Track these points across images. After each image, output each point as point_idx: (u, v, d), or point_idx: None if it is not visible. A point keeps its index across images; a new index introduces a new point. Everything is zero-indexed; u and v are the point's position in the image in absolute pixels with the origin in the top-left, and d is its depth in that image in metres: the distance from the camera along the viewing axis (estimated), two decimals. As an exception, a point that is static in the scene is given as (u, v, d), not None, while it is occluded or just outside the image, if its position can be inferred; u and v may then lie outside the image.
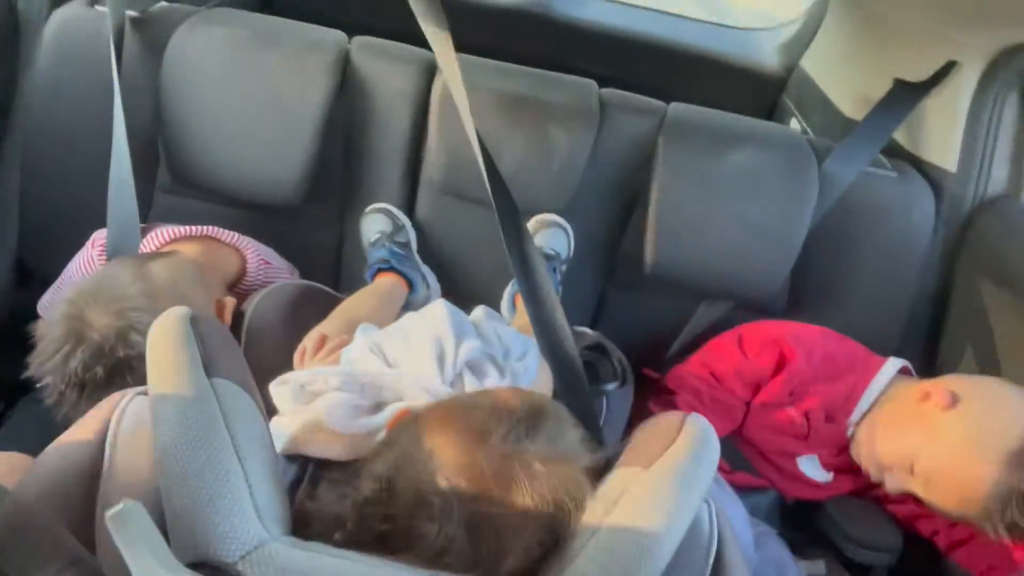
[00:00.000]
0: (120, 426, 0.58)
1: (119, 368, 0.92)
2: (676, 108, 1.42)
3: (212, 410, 0.53)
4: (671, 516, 0.55)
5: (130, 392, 0.64)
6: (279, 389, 0.81)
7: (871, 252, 1.41)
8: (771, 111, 2.08)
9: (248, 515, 0.49)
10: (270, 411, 0.76)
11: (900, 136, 1.50)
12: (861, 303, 1.42)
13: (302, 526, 0.60)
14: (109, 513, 0.43)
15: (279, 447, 0.75)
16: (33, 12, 1.36)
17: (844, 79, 1.71)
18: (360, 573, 0.49)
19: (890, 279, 1.42)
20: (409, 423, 0.64)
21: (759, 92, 2.07)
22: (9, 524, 0.49)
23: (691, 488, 0.58)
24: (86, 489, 0.54)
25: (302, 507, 0.63)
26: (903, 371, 1.25)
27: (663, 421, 0.66)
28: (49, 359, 0.94)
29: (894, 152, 1.50)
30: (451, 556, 0.55)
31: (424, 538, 0.55)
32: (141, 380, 0.63)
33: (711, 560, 0.59)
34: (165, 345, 0.58)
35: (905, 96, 1.43)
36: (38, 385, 1.26)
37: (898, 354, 1.28)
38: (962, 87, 1.35)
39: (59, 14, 1.33)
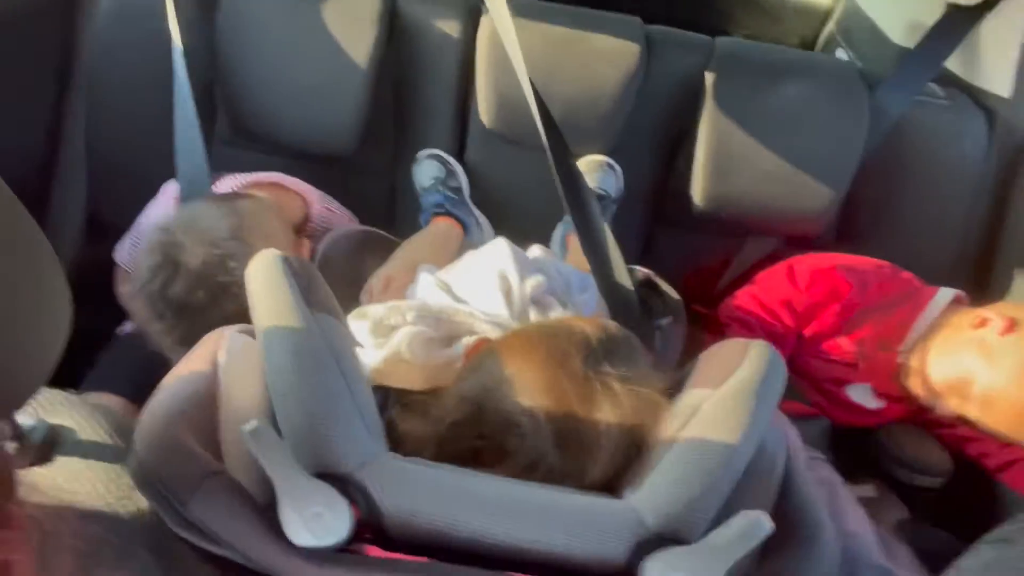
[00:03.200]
0: (230, 358, 0.63)
1: (218, 292, 0.96)
2: (723, 42, 1.41)
3: (317, 339, 0.58)
4: (744, 430, 0.58)
5: (229, 329, 0.69)
6: (358, 323, 0.85)
7: (923, 181, 1.40)
8: (815, 43, 2.04)
9: (361, 432, 0.54)
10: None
11: (953, 63, 1.47)
12: (912, 233, 1.42)
13: (394, 446, 0.65)
14: (246, 428, 0.48)
15: (362, 378, 0.80)
16: (88, -29, 1.38)
17: (894, 6, 1.67)
18: (464, 482, 0.54)
19: (942, 208, 1.42)
20: (490, 350, 0.68)
21: (804, 24, 2.02)
22: (148, 444, 0.54)
23: (761, 405, 0.61)
24: (207, 413, 0.59)
25: (392, 428, 0.68)
26: (956, 300, 1.25)
27: (728, 347, 0.69)
28: (146, 285, 0.97)
29: (947, 80, 1.48)
30: (542, 468, 0.59)
31: (515, 453, 0.60)
32: (240, 303, 0.67)
33: (779, 471, 0.63)
34: (266, 283, 0.62)
35: (958, 21, 1.39)
36: (119, 332, 1.33)
37: (950, 284, 1.29)
38: (1018, 10, 1.32)
39: (114, -28, 1.36)
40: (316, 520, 0.47)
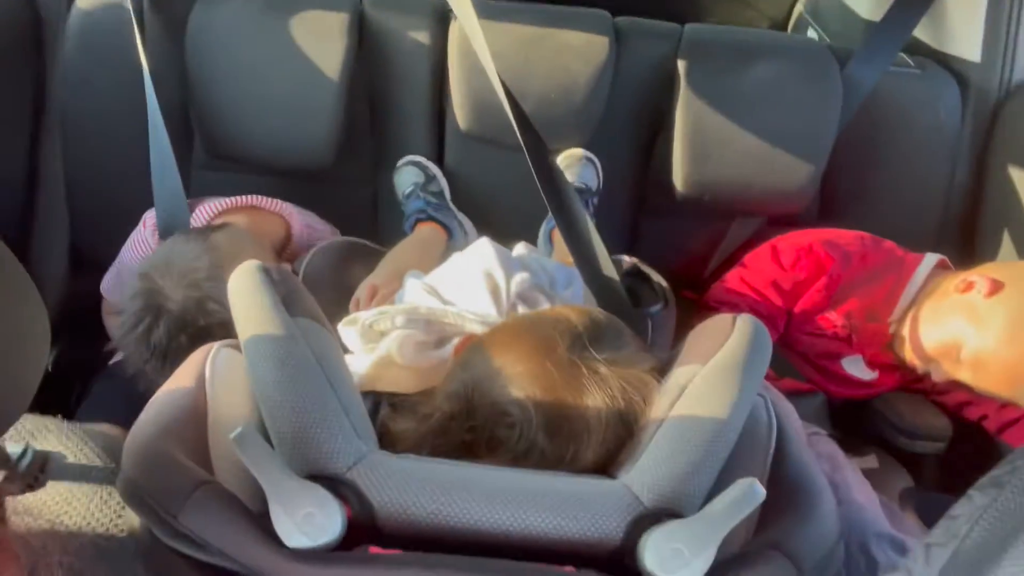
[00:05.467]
0: (215, 372, 0.63)
1: (200, 335, 0.96)
2: (692, 29, 1.42)
3: (299, 344, 0.58)
4: (733, 403, 0.58)
5: (215, 344, 0.69)
6: (347, 329, 0.85)
7: (900, 152, 1.41)
8: (787, 24, 2.05)
9: (348, 432, 0.54)
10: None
11: (921, 32, 1.49)
12: (894, 204, 1.43)
13: (387, 447, 0.65)
14: (232, 435, 0.48)
15: (353, 384, 0.80)
16: (53, 5, 1.38)
17: (860, -19, 1.68)
18: (456, 473, 0.54)
19: (921, 177, 1.43)
20: (477, 345, 0.68)
21: (774, 7, 2.04)
22: (135, 460, 0.54)
23: (748, 377, 0.61)
24: (195, 426, 0.59)
25: (385, 429, 0.68)
26: (940, 265, 1.26)
27: (715, 323, 0.69)
28: (131, 331, 0.99)
29: (916, 49, 1.49)
30: (534, 456, 0.59)
31: (506, 443, 0.60)
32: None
33: (773, 442, 0.63)
34: (247, 294, 0.62)
35: (923, -11, 1.41)
36: (111, 363, 1.33)
37: (935, 250, 1.29)
38: (982, -26, 1.34)
39: (80, 4, 1.36)
40: (308, 521, 0.47)
